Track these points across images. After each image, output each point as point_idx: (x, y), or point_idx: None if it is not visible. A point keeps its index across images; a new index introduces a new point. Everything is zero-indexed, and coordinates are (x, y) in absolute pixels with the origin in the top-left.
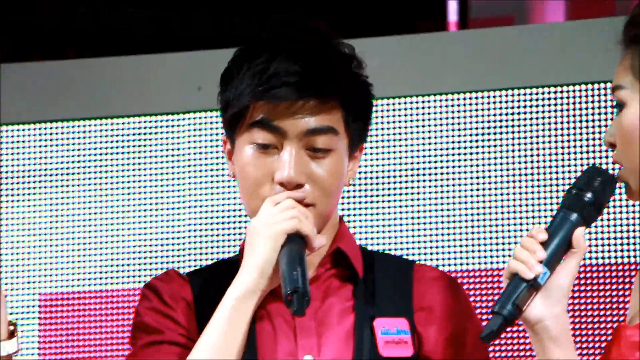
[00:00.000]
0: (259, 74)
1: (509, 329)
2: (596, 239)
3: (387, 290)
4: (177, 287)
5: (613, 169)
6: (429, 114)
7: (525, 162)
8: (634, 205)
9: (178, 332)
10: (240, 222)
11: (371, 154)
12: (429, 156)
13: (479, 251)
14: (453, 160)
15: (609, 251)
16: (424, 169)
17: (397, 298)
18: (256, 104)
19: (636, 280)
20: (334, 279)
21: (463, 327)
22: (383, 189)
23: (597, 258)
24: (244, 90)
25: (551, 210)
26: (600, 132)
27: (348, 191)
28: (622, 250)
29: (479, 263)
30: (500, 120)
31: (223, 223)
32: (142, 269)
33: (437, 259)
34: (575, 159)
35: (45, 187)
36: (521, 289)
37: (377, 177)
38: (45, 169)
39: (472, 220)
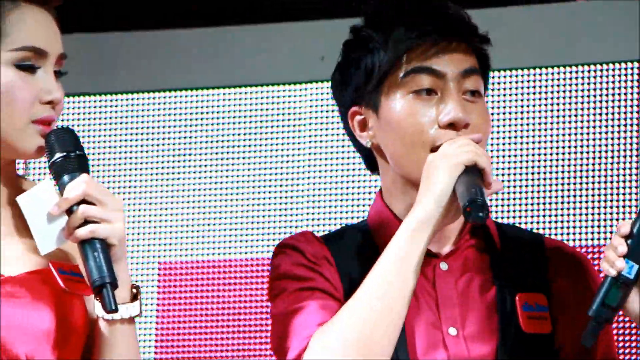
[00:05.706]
0: (407, 24)
1: None
2: None
3: (523, 265)
4: (317, 247)
5: None
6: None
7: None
8: None
9: (329, 284)
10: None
11: None
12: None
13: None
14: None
15: None
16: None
17: (533, 273)
18: (410, 54)
19: None
20: (472, 250)
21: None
22: None
23: None
24: (397, 42)
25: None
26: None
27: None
28: None
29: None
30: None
31: (347, 188)
32: (261, 239)
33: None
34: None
35: (165, 156)
36: (606, 287)
37: None
38: (161, 138)
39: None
